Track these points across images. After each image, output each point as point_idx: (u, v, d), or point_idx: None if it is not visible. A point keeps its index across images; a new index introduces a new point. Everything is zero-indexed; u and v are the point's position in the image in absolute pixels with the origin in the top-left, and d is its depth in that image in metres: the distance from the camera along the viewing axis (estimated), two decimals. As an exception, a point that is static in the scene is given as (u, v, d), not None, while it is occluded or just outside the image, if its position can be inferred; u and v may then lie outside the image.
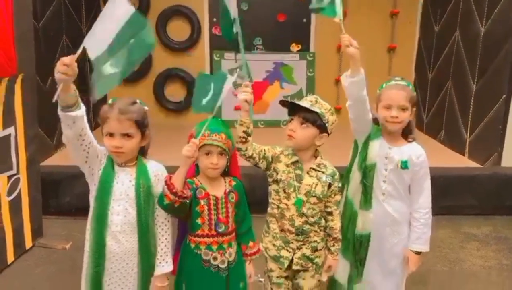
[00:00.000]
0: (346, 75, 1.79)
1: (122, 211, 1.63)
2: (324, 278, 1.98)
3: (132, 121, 1.61)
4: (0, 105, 2.71)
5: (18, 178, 2.95)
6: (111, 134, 1.60)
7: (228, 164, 1.80)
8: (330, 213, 1.88)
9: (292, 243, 1.84)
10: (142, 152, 1.74)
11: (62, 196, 3.62)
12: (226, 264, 1.74)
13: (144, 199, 1.64)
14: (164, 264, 1.70)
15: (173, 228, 1.78)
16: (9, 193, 2.89)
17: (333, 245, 1.91)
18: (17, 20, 2.74)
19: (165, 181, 1.62)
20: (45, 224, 3.33)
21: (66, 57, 1.41)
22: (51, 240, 3.27)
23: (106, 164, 1.65)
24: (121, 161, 1.66)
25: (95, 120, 4.17)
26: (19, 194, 2.98)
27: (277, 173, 1.83)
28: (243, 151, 1.80)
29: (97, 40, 1.44)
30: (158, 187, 1.67)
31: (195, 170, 1.79)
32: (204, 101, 1.74)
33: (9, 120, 2.80)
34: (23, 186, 3.01)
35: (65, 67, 1.40)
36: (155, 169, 1.70)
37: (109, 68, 1.49)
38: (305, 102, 1.80)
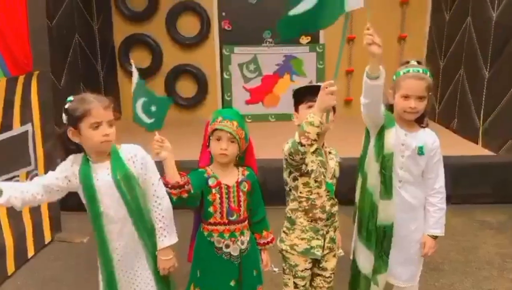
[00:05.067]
0: (368, 75, 1.68)
1: (112, 205, 1.66)
2: (341, 253, 2.01)
3: (111, 108, 1.64)
4: (18, 102, 2.78)
5: (36, 174, 3.02)
6: (98, 125, 1.60)
7: (241, 154, 1.81)
8: None
9: (322, 230, 1.87)
10: None
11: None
12: (238, 252, 1.77)
13: (127, 187, 1.66)
14: (163, 239, 1.71)
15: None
16: (28, 188, 2.96)
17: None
18: (31, 18, 2.81)
19: (162, 182, 1.66)
20: (62, 219, 3.41)
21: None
22: (69, 235, 3.34)
23: (82, 166, 1.66)
24: (107, 150, 1.66)
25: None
26: (37, 190, 3.06)
27: (306, 165, 1.81)
28: (305, 155, 1.70)
29: None
30: (136, 167, 1.69)
31: (210, 159, 1.82)
32: (148, 121, 1.79)
33: (26, 116, 2.87)
34: (41, 181, 3.08)
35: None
36: (128, 152, 1.70)
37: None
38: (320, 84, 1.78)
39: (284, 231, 1.94)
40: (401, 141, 1.89)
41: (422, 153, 1.90)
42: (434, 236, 1.98)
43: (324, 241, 1.89)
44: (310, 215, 1.86)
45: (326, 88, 1.63)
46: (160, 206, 1.71)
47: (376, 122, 1.86)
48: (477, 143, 4.43)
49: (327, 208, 1.87)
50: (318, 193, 1.85)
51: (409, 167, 1.91)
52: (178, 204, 1.68)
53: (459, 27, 4.82)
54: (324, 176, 1.85)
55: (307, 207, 1.86)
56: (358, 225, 1.96)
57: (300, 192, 1.86)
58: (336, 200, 1.91)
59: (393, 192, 1.89)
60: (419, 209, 1.98)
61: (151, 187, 1.71)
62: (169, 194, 1.66)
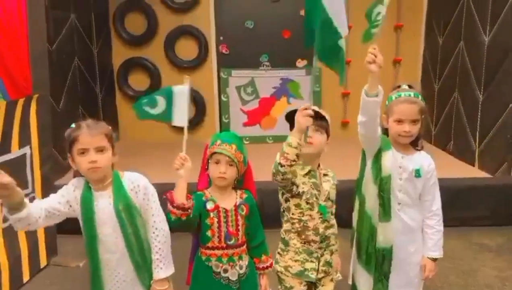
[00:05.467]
0: (366, 93, 1.71)
1: (112, 233, 1.65)
2: (339, 277, 2.00)
3: (103, 135, 1.63)
4: (17, 125, 2.79)
5: (33, 197, 3.00)
6: (84, 151, 1.59)
7: (240, 177, 1.82)
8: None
9: (316, 252, 1.87)
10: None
11: (75, 215, 3.67)
12: (236, 277, 1.76)
13: (128, 218, 1.64)
14: (159, 270, 1.69)
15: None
16: (24, 212, 2.94)
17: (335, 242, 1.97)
18: (32, 42, 2.85)
19: (167, 197, 1.65)
20: (58, 242, 3.37)
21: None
22: (65, 259, 3.30)
23: (84, 192, 1.65)
24: (98, 177, 1.64)
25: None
26: (34, 213, 3.03)
27: (297, 187, 1.84)
28: (285, 175, 1.72)
29: None
30: (139, 198, 1.68)
31: (208, 181, 1.82)
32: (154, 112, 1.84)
33: (24, 139, 2.88)
34: (37, 204, 3.06)
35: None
36: (131, 182, 1.70)
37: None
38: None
39: (278, 252, 1.95)
40: (398, 164, 1.91)
41: (419, 176, 1.92)
42: (433, 258, 1.98)
43: (319, 264, 1.88)
44: (303, 237, 1.86)
45: (304, 110, 1.69)
46: (158, 238, 1.70)
47: (373, 144, 1.88)
48: (473, 165, 4.45)
49: (321, 230, 1.86)
50: (310, 215, 1.85)
51: (407, 189, 1.92)
52: (175, 225, 1.68)
53: (453, 51, 4.91)
54: (317, 198, 1.85)
55: (299, 229, 1.87)
56: (357, 248, 1.95)
57: (292, 214, 1.87)
58: (331, 222, 1.91)
59: (392, 215, 1.90)
60: (417, 231, 1.99)
61: (151, 217, 1.70)
62: (169, 212, 1.65)
